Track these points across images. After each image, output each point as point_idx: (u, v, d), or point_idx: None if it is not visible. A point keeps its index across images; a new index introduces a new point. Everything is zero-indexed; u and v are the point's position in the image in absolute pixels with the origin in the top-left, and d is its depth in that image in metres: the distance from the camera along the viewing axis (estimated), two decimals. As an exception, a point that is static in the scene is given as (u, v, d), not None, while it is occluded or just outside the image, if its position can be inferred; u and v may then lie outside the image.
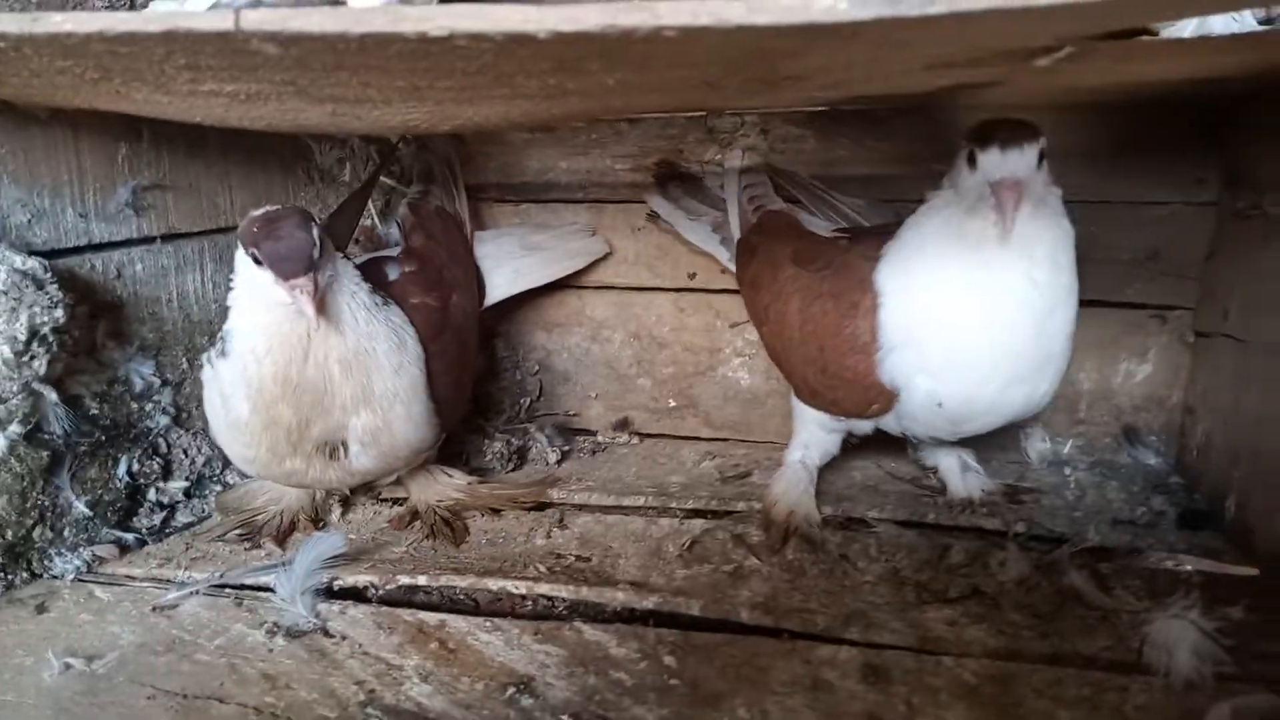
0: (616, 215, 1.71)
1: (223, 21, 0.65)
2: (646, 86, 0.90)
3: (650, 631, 1.04)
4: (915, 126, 1.56)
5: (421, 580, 1.14)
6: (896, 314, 1.19)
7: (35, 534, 1.20)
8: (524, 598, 1.12)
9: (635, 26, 0.60)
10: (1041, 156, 1.08)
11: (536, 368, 1.79)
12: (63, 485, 1.23)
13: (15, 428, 1.14)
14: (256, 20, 0.65)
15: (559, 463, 1.59)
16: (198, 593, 1.13)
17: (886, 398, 1.22)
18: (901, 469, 1.51)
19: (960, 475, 1.38)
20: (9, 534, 1.17)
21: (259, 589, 1.15)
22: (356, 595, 1.15)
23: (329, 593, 1.14)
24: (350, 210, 1.51)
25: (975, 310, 1.13)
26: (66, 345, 1.16)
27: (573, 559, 1.23)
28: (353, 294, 1.15)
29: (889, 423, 1.29)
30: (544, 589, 1.12)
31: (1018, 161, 1.06)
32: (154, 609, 1.10)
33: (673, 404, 1.74)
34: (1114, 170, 1.50)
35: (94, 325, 1.25)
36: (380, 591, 1.15)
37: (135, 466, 1.32)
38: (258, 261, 1.05)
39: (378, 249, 1.56)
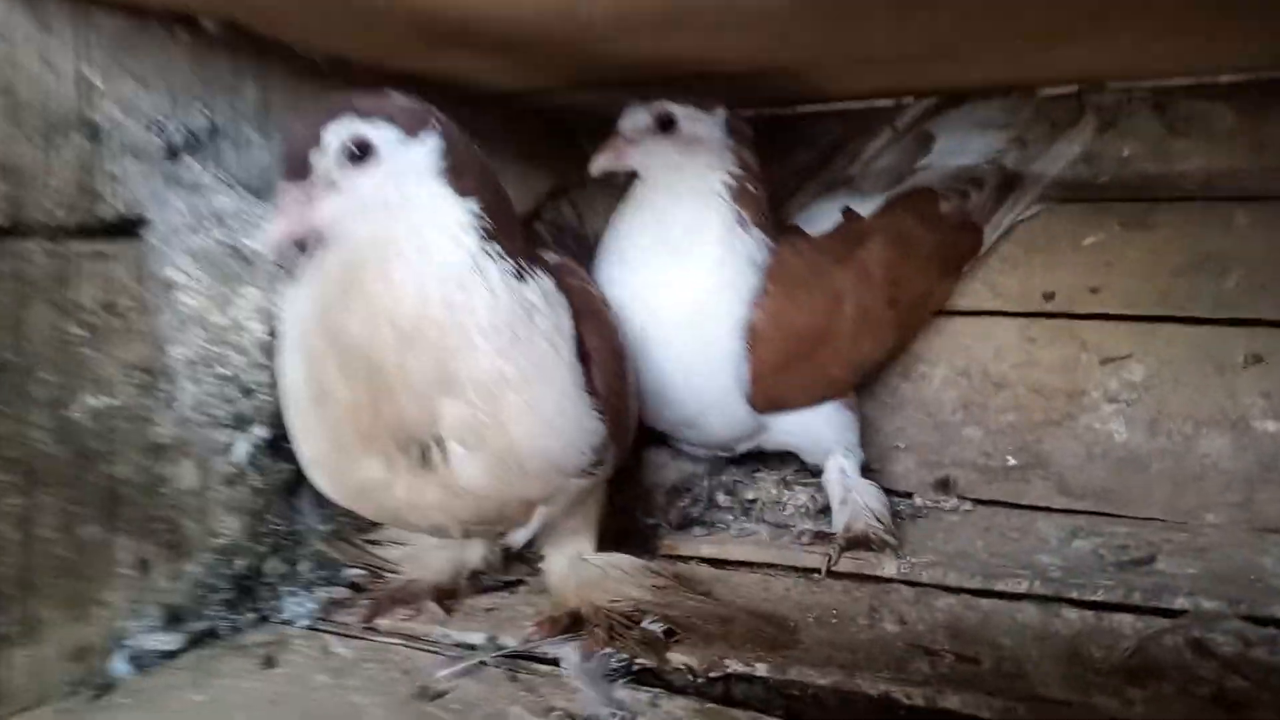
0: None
1: None
2: None
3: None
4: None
5: (761, 670, 0.81)
6: None
7: (267, 566, 0.98)
8: (915, 711, 0.76)
9: None
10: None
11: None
12: (302, 509, 1.01)
13: (259, 430, 0.92)
14: None
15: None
16: (475, 667, 0.84)
17: None
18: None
19: None
20: (240, 562, 0.95)
21: (534, 659, 0.87)
22: (666, 683, 0.83)
23: (629, 674, 0.84)
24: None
25: None
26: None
27: (950, 658, 0.87)
28: (440, 227, 0.77)
29: None
30: (952, 701, 0.76)
31: None
32: (419, 692, 0.81)
33: (1012, 462, 1.35)
34: None
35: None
36: (700, 680, 0.83)
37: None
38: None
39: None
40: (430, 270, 0.76)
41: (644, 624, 0.88)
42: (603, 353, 0.88)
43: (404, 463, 0.79)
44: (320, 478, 0.85)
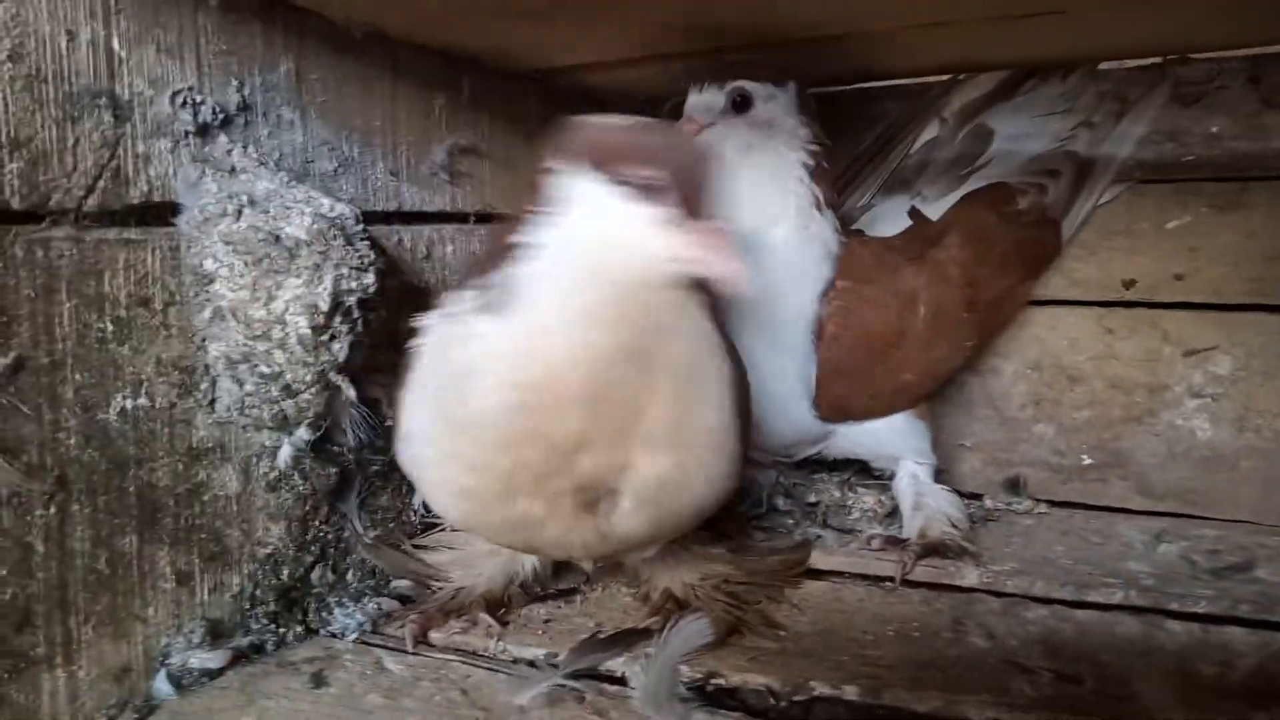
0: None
1: None
2: None
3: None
4: None
5: (850, 693, 0.75)
6: None
7: (314, 575, 0.92)
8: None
9: None
10: None
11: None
12: (350, 514, 0.95)
13: (303, 432, 0.87)
14: None
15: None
16: (548, 688, 0.78)
17: None
18: None
19: None
20: (285, 572, 0.89)
21: (602, 678, 0.81)
22: (744, 705, 0.77)
23: (702, 694, 0.78)
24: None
25: None
26: (371, 326, 0.88)
27: (1049, 676, 0.80)
28: (637, 239, 0.71)
29: None
30: (1067, 729, 0.70)
31: None
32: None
33: (1087, 460, 1.28)
34: None
35: (399, 310, 0.99)
36: (781, 702, 0.76)
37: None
38: (647, 189, 0.65)
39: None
40: (647, 293, 0.69)
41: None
42: (745, 397, 0.84)
43: (569, 506, 0.75)
44: (462, 507, 0.82)
